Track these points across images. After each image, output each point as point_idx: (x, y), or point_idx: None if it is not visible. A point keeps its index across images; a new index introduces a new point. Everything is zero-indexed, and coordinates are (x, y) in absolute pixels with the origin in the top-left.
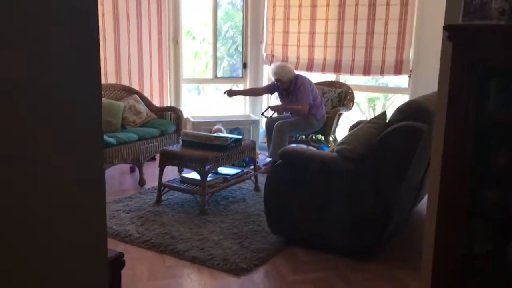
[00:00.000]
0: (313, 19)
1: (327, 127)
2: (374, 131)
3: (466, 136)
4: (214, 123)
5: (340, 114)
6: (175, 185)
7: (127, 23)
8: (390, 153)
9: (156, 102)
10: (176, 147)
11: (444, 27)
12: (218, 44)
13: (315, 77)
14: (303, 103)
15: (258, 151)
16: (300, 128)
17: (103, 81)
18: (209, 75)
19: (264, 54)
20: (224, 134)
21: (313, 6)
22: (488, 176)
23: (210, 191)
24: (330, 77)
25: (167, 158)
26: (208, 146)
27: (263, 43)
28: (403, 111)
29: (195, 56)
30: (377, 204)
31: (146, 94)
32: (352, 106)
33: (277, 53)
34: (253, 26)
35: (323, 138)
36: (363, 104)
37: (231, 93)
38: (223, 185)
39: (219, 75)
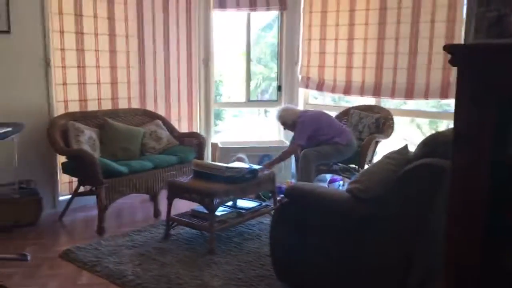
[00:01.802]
0: (350, 39)
1: (361, 156)
2: (393, 168)
3: (478, 189)
4: (243, 149)
5: (377, 142)
6: (184, 219)
7: (153, 46)
8: (409, 194)
9: (184, 128)
10: (186, 179)
11: (444, 48)
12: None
13: (354, 101)
14: (292, 144)
15: (289, 180)
16: (327, 155)
17: (126, 106)
18: (243, 98)
19: (300, 76)
20: (239, 165)
21: (351, 25)
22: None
23: (220, 227)
24: (370, 100)
25: (175, 190)
26: (219, 178)
27: (298, 64)
28: (427, 145)
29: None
30: (395, 252)
31: (174, 119)
32: (391, 133)
33: (313, 75)
34: (288, 47)
35: (357, 167)
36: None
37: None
38: (236, 221)
39: (252, 98)
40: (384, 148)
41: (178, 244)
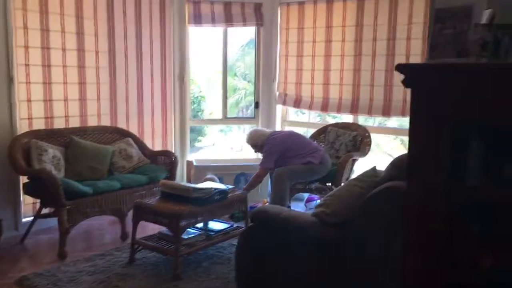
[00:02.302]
0: (328, 55)
1: (338, 174)
2: (360, 191)
3: (435, 218)
4: (218, 167)
5: (354, 160)
6: (149, 243)
7: (125, 61)
8: (375, 219)
9: (158, 146)
10: (152, 200)
11: (396, 67)
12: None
13: (332, 119)
14: (260, 167)
15: (266, 199)
16: (301, 174)
17: (95, 123)
18: (219, 115)
19: (277, 93)
20: (210, 185)
21: (328, 41)
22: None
23: (186, 251)
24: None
25: (141, 212)
26: (186, 199)
27: (275, 81)
28: (395, 166)
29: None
30: (363, 278)
31: (147, 136)
32: (368, 151)
33: (290, 91)
34: (265, 63)
35: (333, 186)
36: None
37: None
38: (204, 244)
39: (232, 114)
40: (362, 166)
41: (143, 269)
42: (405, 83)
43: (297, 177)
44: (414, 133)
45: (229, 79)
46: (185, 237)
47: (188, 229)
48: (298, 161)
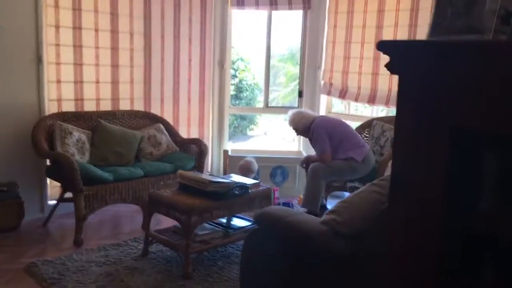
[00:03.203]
0: None
1: (378, 174)
2: (379, 198)
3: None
4: (254, 159)
5: None
6: (162, 236)
7: (161, 44)
8: None
9: (194, 134)
10: (169, 191)
11: (378, 45)
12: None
13: (378, 114)
14: (319, 153)
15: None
16: (339, 172)
17: (127, 107)
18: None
19: (322, 82)
20: (236, 178)
21: (379, 27)
22: None
23: (198, 249)
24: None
25: (154, 204)
26: (202, 193)
27: (321, 69)
28: None
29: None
30: None
31: (182, 124)
32: None
33: (336, 81)
34: (311, 49)
35: None
36: None
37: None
38: (221, 241)
39: (272, 104)
40: None
41: (154, 264)
42: (390, 67)
43: (334, 174)
44: (399, 140)
45: (290, 67)
46: (200, 232)
47: (206, 224)
48: (339, 154)
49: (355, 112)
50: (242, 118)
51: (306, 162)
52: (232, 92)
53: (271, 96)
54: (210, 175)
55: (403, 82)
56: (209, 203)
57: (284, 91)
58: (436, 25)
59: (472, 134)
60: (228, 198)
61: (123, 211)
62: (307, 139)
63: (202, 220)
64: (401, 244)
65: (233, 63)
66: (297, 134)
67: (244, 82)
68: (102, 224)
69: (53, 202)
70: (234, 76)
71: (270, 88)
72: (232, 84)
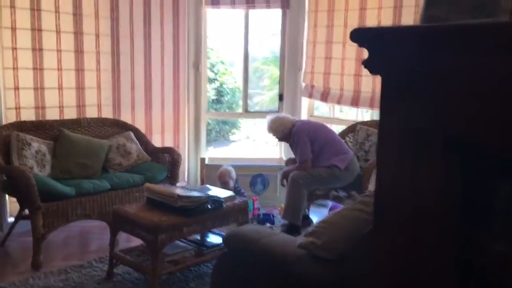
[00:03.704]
0: None
1: (363, 181)
2: (363, 217)
3: None
4: (233, 167)
5: None
6: (127, 257)
7: (130, 46)
8: None
9: (169, 141)
10: (134, 207)
11: (351, 34)
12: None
13: (363, 115)
14: (300, 159)
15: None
16: (321, 180)
17: (95, 115)
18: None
19: (303, 84)
20: (194, 193)
21: (362, 26)
22: None
23: (167, 271)
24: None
25: (118, 221)
26: (171, 208)
27: (301, 71)
28: None
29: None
30: None
31: (156, 131)
32: None
33: (317, 83)
34: (291, 50)
35: (357, 194)
36: None
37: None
38: (192, 261)
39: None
40: None
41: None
42: (369, 65)
43: (316, 182)
44: (383, 155)
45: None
46: (170, 252)
47: (179, 241)
48: (321, 161)
49: (340, 115)
50: (224, 122)
51: (286, 176)
52: (213, 97)
53: (255, 100)
54: (181, 187)
55: (386, 83)
56: (178, 219)
57: (268, 95)
58: (429, 4)
59: (474, 147)
60: (200, 213)
61: (91, 226)
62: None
63: (171, 238)
64: (388, 277)
65: (213, 66)
66: (279, 141)
67: (225, 86)
68: (67, 241)
69: (13, 219)
70: (215, 79)
71: (253, 91)
72: (213, 89)
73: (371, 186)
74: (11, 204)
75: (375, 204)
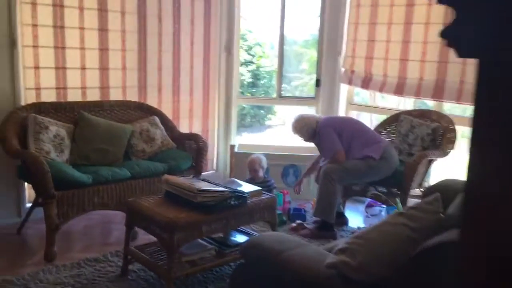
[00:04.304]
0: (408, 23)
1: (406, 178)
2: (408, 235)
3: None
4: (265, 156)
5: (430, 161)
6: (143, 254)
7: (158, 25)
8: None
9: (197, 127)
10: (151, 200)
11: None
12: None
13: (405, 104)
14: (330, 153)
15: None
16: (357, 172)
17: (119, 97)
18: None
19: (343, 69)
20: (215, 188)
21: (409, 5)
22: None
23: (184, 272)
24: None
25: (133, 216)
26: (190, 204)
27: (341, 55)
28: None
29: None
30: None
31: (183, 116)
32: (451, 150)
33: (358, 68)
34: (330, 33)
35: (399, 193)
36: None
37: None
38: (211, 263)
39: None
40: (441, 169)
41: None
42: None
43: (351, 176)
44: (477, 155)
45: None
46: (187, 251)
47: (200, 240)
48: (353, 154)
49: (381, 103)
50: (259, 107)
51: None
52: (249, 80)
53: (293, 84)
54: (205, 180)
55: (487, 62)
56: (197, 217)
57: (307, 79)
58: None
59: None
60: (222, 210)
61: (113, 214)
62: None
63: (188, 238)
64: None
65: (250, 48)
66: (306, 141)
67: (261, 69)
68: (86, 230)
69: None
70: (251, 62)
71: (292, 75)
72: (249, 71)
73: (414, 184)
74: (30, 189)
75: (462, 217)
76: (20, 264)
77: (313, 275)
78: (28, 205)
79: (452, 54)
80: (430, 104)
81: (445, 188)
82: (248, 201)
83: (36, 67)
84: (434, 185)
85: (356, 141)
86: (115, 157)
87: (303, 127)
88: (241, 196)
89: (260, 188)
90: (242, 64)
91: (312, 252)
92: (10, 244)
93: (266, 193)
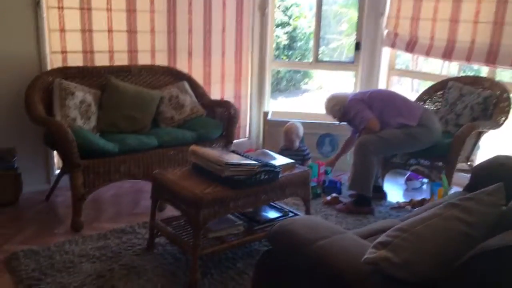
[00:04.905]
0: None
1: (453, 150)
2: (464, 231)
3: None
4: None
5: (480, 133)
6: (168, 228)
7: None
8: None
9: (229, 93)
10: (177, 173)
11: None
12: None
13: (453, 69)
14: (363, 124)
15: None
16: (395, 142)
17: (148, 61)
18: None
19: (385, 31)
20: (245, 161)
21: None
22: None
23: (211, 250)
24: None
25: (158, 189)
26: (217, 178)
27: (384, 15)
28: None
29: None
30: None
31: (215, 81)
32: (505, 121)
33: (402, 30)
34: None
35: (444, 166)
36: None
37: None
38: (239, 240)
39: (323, 58)
40: (492, 141)
41: (158, 263)
42: None
43: (389, 147)
44: None
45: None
46: (215, 227)
47: (229, 215)
48: (389, 123)
49: (424, 68)
50: (295, 71)
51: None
52: (285, 42)
53: (331, 46)
54: (235, 152)
55: None
56: (225, 192)
57: (346, 40)
58: None
59: None
60: (251, 185)
61: (144, 182)
62: None
63: (215, 214)
64: None
65: (287, 8)
66: (339, 122)
67: (298, 31)
68: (115, 199)
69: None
70: (288, 23)
71: (331, 36)
72: (285, 33)
73: (461, 158)
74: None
75: None
76: (47, 233)
77: (350, 270)
78: (57, 171)
79: (509, 14)
80: (478, 69)
81: (500, 168)
82: (279, 176)
83: (62, 30)
84: (485, 163)
85: (388, 109)
86: (143, 124)
87: (335, 105)
88: (272, 171)
89: (293, 161)
90: (277, 25)
91: (349, 243)
92: (38, 212)
93: (300, 166)
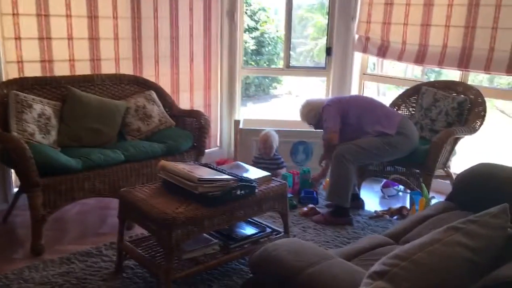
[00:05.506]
0: None
1: (430, 158)
2: (468, 258)
3: None
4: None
5: (456, 139)
6: (137, 250)
7: None
8: None
9: (199, 102)
10: (145, 190)
11: None
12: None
13: (417, 72)
14: (325, 135)
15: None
16: (374, 151)
17: (112, 70)
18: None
19: (356, 36)
20: (219, 176)
21: None
22: None
23: (184, 273)
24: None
25: (125, 208)
26: (190, 195)
27: (355, 20)
28: None
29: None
30: None
31: (183, 89)
32: (480, 126)
33: (374, 35)
34: None
35: (421, 173)
36: None
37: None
38: (216, 261)
39: (294, 63)
40: (467, 147)
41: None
42: None
43: (367, 156)
44: None
45: (320, 17)
46: (189, 247)
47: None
48: (366, 130)
49: (390, 73)
50: (264, 76)
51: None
52: (253, 47)
53: (298, 50)
54: (207, 166)
55: None
56: (198, 210)
57: (311, 44)
58: None
59: None
60: (226, 202)
61: (110, 199)
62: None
63: (189, 235)
64: None
65: (254, 13)
66: (315, 128)
67: (266, 35)
68: (79, 217)
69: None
70: (255, 28)
71: (297, 41)
72: (252, 38)
73: (439, 165)
74: None
75: None
76: (4, 259)
77: None
78: (16, 190)
79: (480, 18)
80: (439, 71)
81: (482, 176)
82: (256, 190)
83: (17, 38)
84: (467, 172)
85: (365, 117)
86: (108, 137)
87: (310, 112)
88: (248, 186)
89: (269, 173)
90: (245, 30)
91: (339, 270)
92: None
93: (276, 179)
